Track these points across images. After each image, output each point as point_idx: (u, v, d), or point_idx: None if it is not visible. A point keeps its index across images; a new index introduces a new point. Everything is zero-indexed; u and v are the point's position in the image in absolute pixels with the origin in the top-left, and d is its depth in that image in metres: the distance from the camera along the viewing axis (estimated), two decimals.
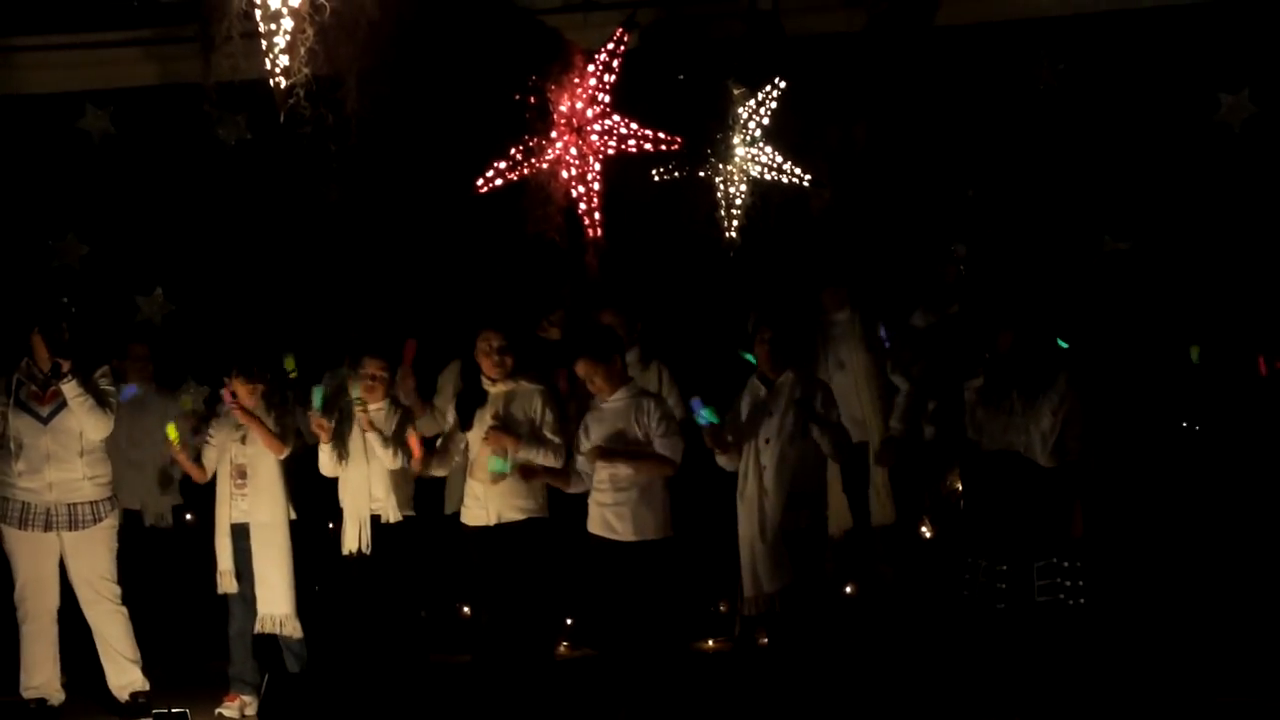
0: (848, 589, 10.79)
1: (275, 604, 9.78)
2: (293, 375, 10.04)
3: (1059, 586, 8.87)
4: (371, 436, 9.65)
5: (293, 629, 9.80)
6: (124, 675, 9.67)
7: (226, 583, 9.91)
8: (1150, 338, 11.22)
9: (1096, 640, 9.16)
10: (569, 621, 10.92)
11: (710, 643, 10.91)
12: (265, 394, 9.90)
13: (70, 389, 9.45)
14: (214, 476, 10.02)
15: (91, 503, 9.64)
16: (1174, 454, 10.81)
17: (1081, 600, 8.88)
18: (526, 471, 9.34)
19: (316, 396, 9.68)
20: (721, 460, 9.39)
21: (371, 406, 9.70)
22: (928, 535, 11.03)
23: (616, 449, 9.13)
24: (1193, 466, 10.79)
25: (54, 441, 9.55)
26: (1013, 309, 9.38)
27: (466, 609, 10.60)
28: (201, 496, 10.42)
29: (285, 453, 9.85)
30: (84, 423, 9.57)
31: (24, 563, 9.58)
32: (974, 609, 9.10)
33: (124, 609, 9.68)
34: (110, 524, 9.73)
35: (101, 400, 9.63)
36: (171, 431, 9.91)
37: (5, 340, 9.86)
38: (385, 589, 9.71)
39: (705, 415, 9.13)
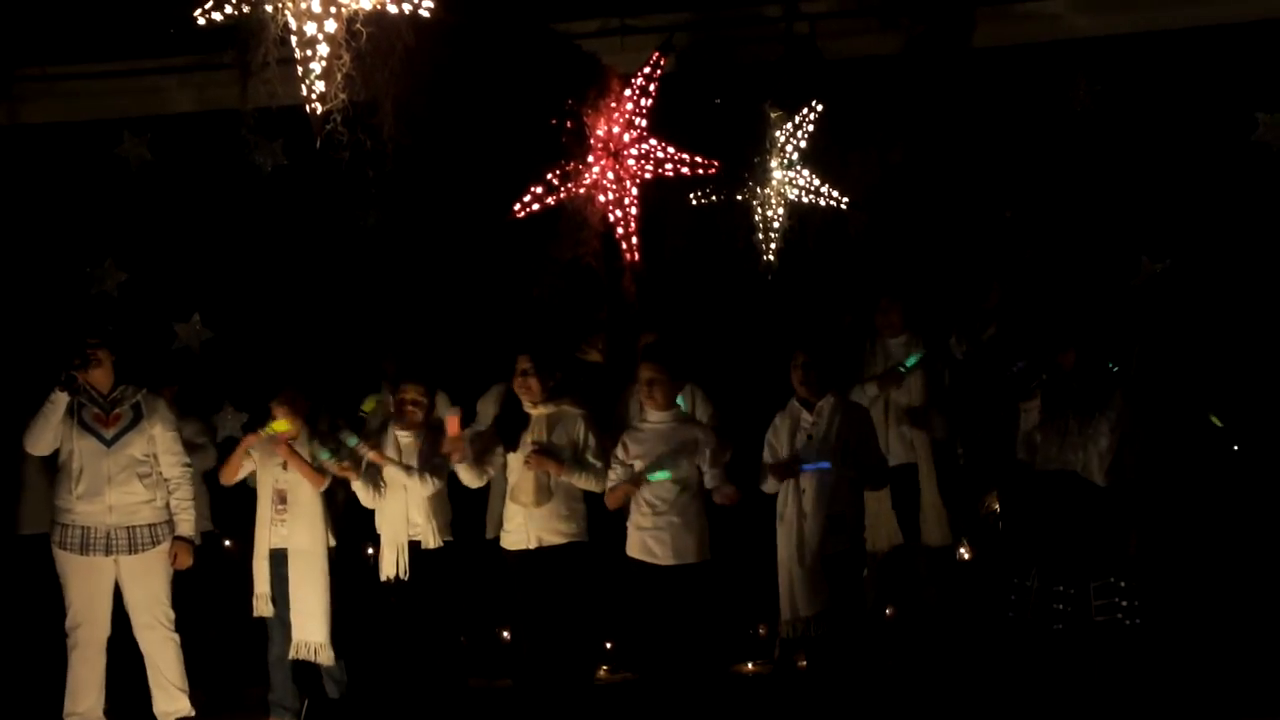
0: (888, 611, 10.78)
1: (310, 631, 9.78)
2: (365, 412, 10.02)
3: (1116, 606, 8.82)
4: (391, 471, 9.68)
5: (327, 657, 9.79)
6: (171, 702, 9.66)
7: (262, 606, 9.91)
8: (1192, 357, 11.22)
9: (1152, 660, 9.11)
10: (609, 645, 10.93)
11: (750, 665, 10.91)
12: (308, 420, 9.95)
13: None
14: (255, 500, 10.06)
15: (150, 525, 9.64)
16: (1225, 472, 10.80)
17: (1138, 620, 8.83)
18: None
19: (350, 439, 9.75)
20: (764, 484, 9.39)
21: (403, 434, 9.75)
22: (966, 557, 11.01)
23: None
24: (1244, 485, 10.79)
25: (115, 464, 9.55)
26: (1075, 328, 9.35)
27: (506, 634, 10.54)
28: (240, 521, 10.42)
29: (324, 485, 9.86)
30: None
31: (79, 590, 9.53)
32: (1024, 630, 9.05)
33: (176, 636, 9.67)
34: (168, 547, 9.72)
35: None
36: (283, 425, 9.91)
37: (52, 364, 9.83)
38: (424, 614, 9.71)
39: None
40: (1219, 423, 11.09)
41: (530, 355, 9.52)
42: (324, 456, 9.73)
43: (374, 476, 9.80)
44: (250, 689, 10.44)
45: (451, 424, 9.62)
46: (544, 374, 9.49)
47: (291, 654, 9.84)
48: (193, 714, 9.72)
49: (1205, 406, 11.02)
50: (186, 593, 10.10)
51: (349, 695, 9.92)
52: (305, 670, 9.94)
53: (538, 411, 9.51)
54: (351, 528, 10.16)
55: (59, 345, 9.71)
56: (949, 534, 10.79)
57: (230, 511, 10.87)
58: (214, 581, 10.85)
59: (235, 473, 10.04)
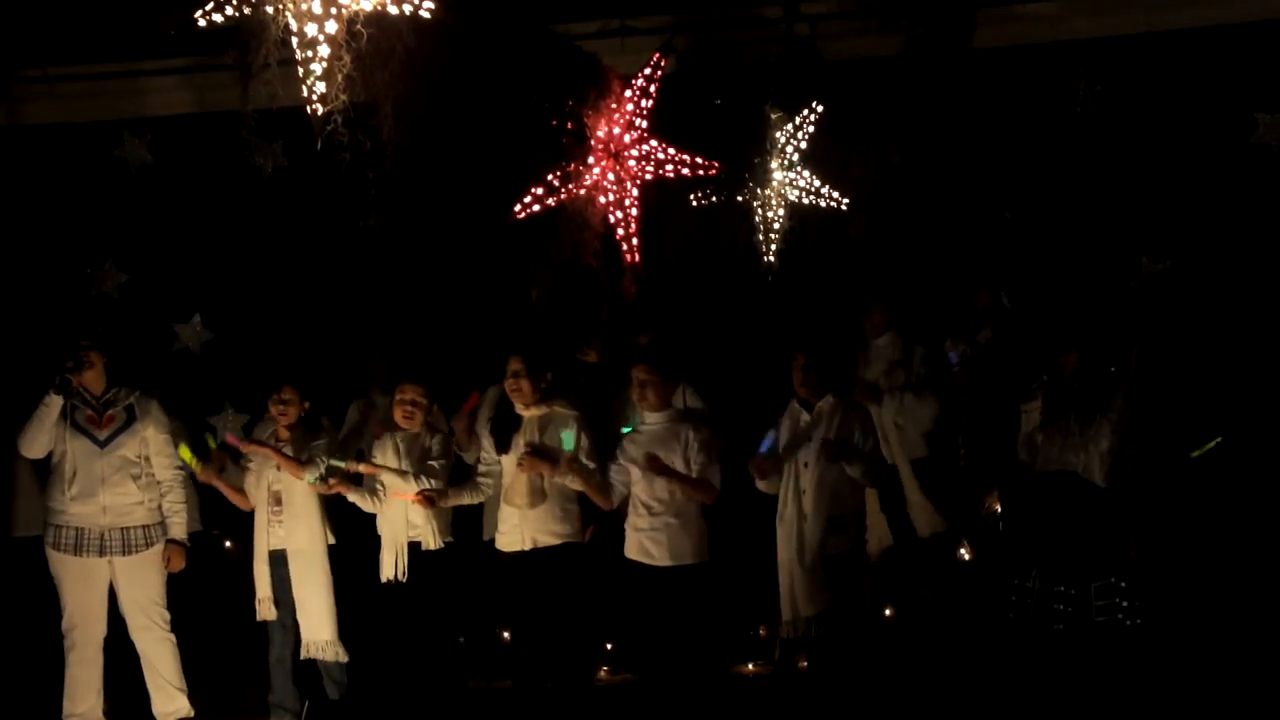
0: (887, 612, 10.78)
1: (318, 630, 9.78)
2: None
3: (1117, 607, 8.78)
4: (387, 478, 9.67)
5: (335, 654, 9.79)
6: (170, 703, 9.68)
7: (265, 610, 9.91)
8: (1191, 358, 11.21)
9: (1153, 660, 9.09)
10: (609, 646, 10.92)
11: (750, 666, 10.90)
12: (304, 419, 9.94)
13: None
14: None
15: (144, 527, 9.67)
16: (1225, 473, 10.80)
17: (1139, 621, 8.80)
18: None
19: (330, 461, 9.75)
20: (761, 484, 9.39)
21: (409, 430, 9.75)
22: (967, 557, 11.00)
23: (667, 468, 9.14)
24: (1244, 485, 10.79)
25: (109, 465, 9.57)
26: (1076, 330, 9.33)
27: (506, 634, 10.52)
28: (241, 524, 10.42)
29: (306, 479, 9.82)
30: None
31: (74, 591, 9.55)
32: (1024, 630, 9.04)
33: (173, 636, 9.70)
34: (161, 549, 9.73)
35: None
36: (184, 453, 9.89)
37: (46, 367, 9.83)
38: (424, 616, 9.70)
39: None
40: (1210, 447, 11.07)
41: (521, 356, 9.49)
42: (310, 480, 9.71)
43: (371, 484, 9.79)
44: (250, 690, 10.42)
45: (408, 496, 9.64)
46: (535, 375, 9.46)
47: (301, 654, 9.85)
48: (191, 714, 9.74)
49: (1192, 445, 11.00)
50: (185, 594, 10.11)
51: (349, 696, 9.91)
52: (305, 671, 9.94)
53: (530, 413, 9.49)
54: (351, 528, 10.14)
55: (52, 347, 9.72)
56: (940, 521, 10.76)
57: (230, 513, 10.85)
58: (213, 583, 10.86)
59: (240, 497, 10.04)
